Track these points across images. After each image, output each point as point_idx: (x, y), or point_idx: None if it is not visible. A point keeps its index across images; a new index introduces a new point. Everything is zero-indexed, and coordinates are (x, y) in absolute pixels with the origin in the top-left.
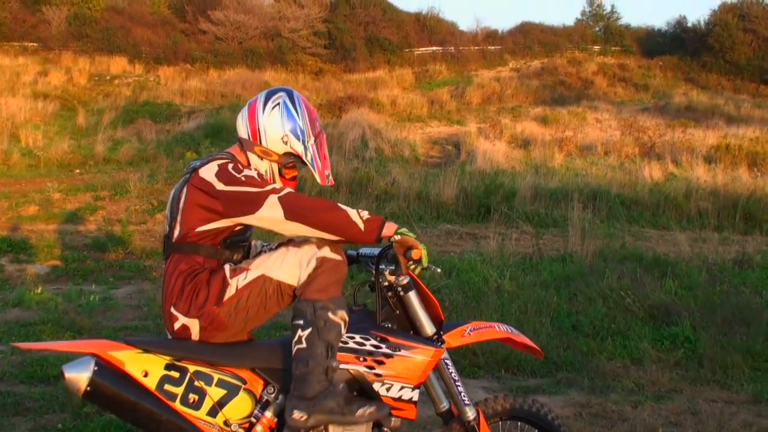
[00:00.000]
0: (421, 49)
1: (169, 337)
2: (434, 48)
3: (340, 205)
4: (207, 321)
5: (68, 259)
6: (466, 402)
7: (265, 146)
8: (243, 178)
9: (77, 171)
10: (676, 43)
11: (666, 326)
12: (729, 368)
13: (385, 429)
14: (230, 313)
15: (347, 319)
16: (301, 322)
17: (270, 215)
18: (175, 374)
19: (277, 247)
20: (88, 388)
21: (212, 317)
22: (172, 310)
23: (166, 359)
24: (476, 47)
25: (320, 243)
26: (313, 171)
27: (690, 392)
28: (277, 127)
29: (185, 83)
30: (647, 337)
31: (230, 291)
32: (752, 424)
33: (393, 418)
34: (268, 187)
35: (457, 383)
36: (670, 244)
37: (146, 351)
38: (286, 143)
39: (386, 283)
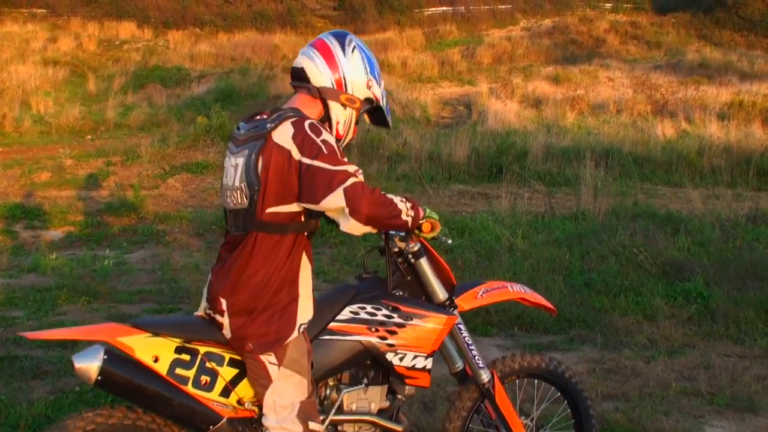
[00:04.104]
0: (431, 9)
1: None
2: (444, 8)
3: (392, 198)
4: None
5: (82, 224)
6: (481, 365)
7: (351, 93)
8: (322, 145)
9: (89, 137)
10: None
11: (679, 282)
12: (742, 323)
13: (399, 396)
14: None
15: None
16: None
17: (334, 207)
18: (186, 357)
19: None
20: (99, 378)
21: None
22: (223, 302)
23: (176, 342)
24: (486, 6)
25: (305, 431)
26: (386, 115)
27: (703, 347)
28: (360, 71)
29: (194, 47)
30: (660, 293)
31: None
32: (765, 377)
33: (407, 387)
34: (341, 167)
35: (471, 347)
36: (683, 201)
37: (156, 334)
38: (369, 88)
39: (396, 249)
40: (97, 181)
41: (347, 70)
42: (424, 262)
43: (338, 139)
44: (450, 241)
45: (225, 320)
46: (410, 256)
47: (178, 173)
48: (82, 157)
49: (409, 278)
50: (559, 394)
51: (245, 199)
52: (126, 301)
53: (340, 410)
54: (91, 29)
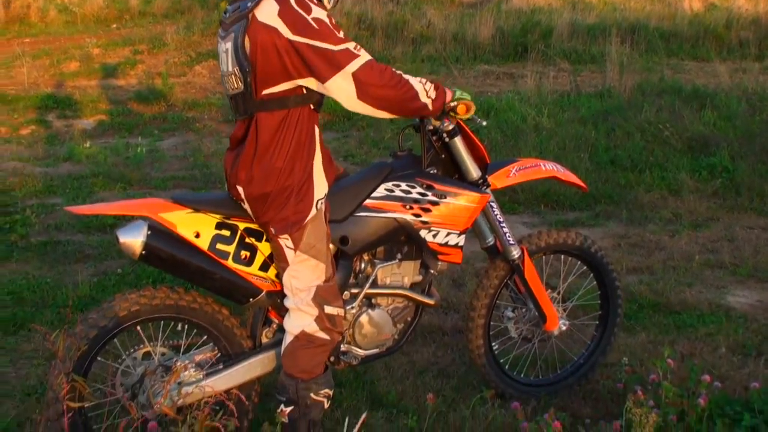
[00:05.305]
0: None
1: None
2: None
3: (408, 78)
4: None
5: (113, 113)
6: (511, 242)
7: None
8: (313, 23)
9: (114, 26)
10: None
11: (704, 157)
12: (766, 196)
13: (431, 271)
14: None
15: (331, 393)
16: (284, 399)
17: (340, 92)
18: (226, 233)
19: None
20: (143, 252)
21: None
22: (240, 189)
23: (216, 218)
24: None
25: (320, 314)
26: None
27: (727, 220)
28: None
29: None
30: (685, 168)
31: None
32: None
33: (440, 262)
34: (342, 47)
35: (502, 224)
36: (709, 75)
37: (196, 210)
38: None
39: (431, 128)
40: (125, 70)
41: None
42: (458, 141)
43: None
44: (485, 123)
45: (246, 207)
46: (445, 134)
47: (205, 60)
48: (109, 46)
49: (443, 156)
50: (585, 268)
51: (240, 83)
52: (160, 186)
53: (374, 284)
54: None
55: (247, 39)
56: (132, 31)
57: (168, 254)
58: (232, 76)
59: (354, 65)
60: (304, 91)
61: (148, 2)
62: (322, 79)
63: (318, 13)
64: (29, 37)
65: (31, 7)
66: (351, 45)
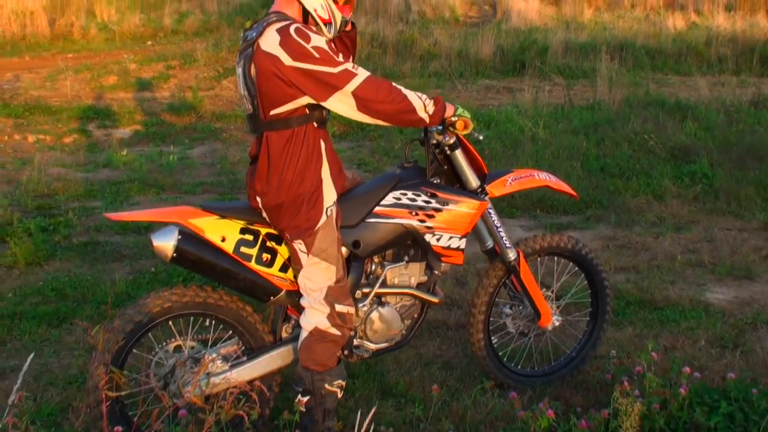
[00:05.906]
0: None
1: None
2: None
3: (406, 94)
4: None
5: (147, 123)
6: (508, 245)
7: None
8: (313, 51)
9: (149, 42)
10: None
11: (686, 164)
12: (742, 200)
13: (436, 271)
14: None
15: (344, 384)
16: (301, 389)
17: (341, 106)
18: (249, 237)
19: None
20: (174, 255)
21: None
22: (258, 200)
23: (240, 223)
24: None
25: (331, 312)
26: None
27: (706, 222)
28: None
29: None
30: (668, 175)
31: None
32: (762, 248)
33: (443, 264)
34: (340, 68)
35: (499, 229)
36: (691, 89)
37: (222, 217)
38: None
39: (434, 142)
40: (159, 84)
41: None
42: (459, 154)
43: (327, 24)
44: (482, 137)
45: (265, 215)
46: (446, 147)
47: (231, 75)
48: (144, 61)
49: (445, 167)
50: (577, 268)
51: (249, 106)
52: (190, 191)
53: (383, 284)
54: None
55: (252, 66)
56: (165, 48)
57: (197, 257)
58: (244, 99)
59: (353, 84)
60: (307, 111)
61: (180, 21)
62: (323, 99)
63: (317, 41)
64: (72, 53)
65: (74, 26)
66: (349, 65)
